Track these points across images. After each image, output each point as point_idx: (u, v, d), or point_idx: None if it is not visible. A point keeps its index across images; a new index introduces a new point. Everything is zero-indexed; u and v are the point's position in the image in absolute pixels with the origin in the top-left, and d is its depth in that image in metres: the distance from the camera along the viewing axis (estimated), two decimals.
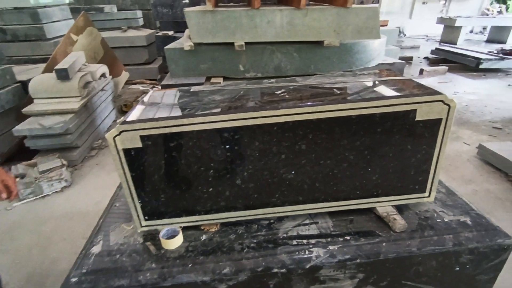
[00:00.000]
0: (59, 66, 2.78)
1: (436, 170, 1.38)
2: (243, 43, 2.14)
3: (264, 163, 1.31)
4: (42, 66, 3.32)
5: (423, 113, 1.26)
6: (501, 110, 3.86)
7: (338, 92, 1.38)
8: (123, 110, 3.97)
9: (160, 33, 3.52)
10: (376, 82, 1.43)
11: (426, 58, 6.98)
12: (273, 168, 1.31)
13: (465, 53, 5.76)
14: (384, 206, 1.40)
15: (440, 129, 1.29)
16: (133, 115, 1.30)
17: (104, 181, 2.49)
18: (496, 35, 8.51)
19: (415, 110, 1.24)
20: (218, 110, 1.25)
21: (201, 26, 2.14)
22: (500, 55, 5.45)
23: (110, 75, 4.30)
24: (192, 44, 2.14)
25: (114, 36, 5.25)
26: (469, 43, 8.59)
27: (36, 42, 3.90)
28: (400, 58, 6.59)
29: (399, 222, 1.32)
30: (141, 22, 5.59)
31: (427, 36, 10.10)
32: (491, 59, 5.39)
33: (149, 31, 5.12)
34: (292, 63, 2.34)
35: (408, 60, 6.78)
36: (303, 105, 1.26)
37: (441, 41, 8.78)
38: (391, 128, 1.27)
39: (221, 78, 2.35)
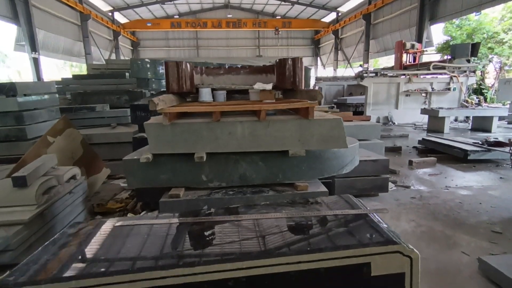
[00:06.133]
0: (17, 173, 2.66)
1: None
2: (204, 155, 2.04)
3: None
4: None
5: (380, 267, 1.01)
6: (497, 208, 3.60)
7: (278, 235, 1.17)
8: (95, 211, 3.73)
9: (137, 135, 3.53)
10: (326, 219, 1.23)
11: (415, 147, 7.02)
12: None
13: (452, 145, 5.78)
14: None
15: (405, 285, 1.03)
16: (20, 267, 1.06)
17: None
18: (480, 124, 8.79)
19: (369, 263, 1.00)
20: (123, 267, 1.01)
21: (160, 139, 2.07)
22: (486, 146, 5.44)
23: (87, 173, 4.20)
24: (149, 157, 2.05)
25: (102, 133, 5.37)
26: (455, 132, 8.81)
27: (15, 142, 3.92)
28: (389, 149, 6.64)
29: None
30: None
31: (415, 124, 10.46)
32: (478, 151, 5.36)
33: (137, 127, 5.25)
34: (258, 172, 2.20)
35: (398, 150, 6.81)
36: (227, 259, 1.03)
37: (428, 130, 9.03)
38: (343, 286, 1.01)
39: (182, 189, 2.19)
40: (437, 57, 14.04)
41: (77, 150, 4.03)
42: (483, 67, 12.12)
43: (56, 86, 5.58)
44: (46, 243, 1.17)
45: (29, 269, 1.00)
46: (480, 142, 5.73)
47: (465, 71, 10.58)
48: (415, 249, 0.96)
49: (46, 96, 4.39)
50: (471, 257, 2.64)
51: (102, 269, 0.97)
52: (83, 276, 0.94)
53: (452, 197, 4.00)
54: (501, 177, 4.73)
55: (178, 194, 2.11)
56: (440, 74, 10.90)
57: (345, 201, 1.34)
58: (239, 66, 2.70)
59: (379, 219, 1.13)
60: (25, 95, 4.03)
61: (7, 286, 0.91)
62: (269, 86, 2.34)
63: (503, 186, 4.35)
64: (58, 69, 28.62)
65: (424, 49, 14.03)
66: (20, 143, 3.92)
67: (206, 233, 1.15)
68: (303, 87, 2.40)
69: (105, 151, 5.21)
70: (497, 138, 5.92)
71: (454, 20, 16.28)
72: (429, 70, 10.67)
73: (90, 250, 1.10)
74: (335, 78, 16.01)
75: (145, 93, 5.65)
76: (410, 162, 5.52)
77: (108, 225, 1.31)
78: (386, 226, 1.06)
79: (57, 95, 4.81)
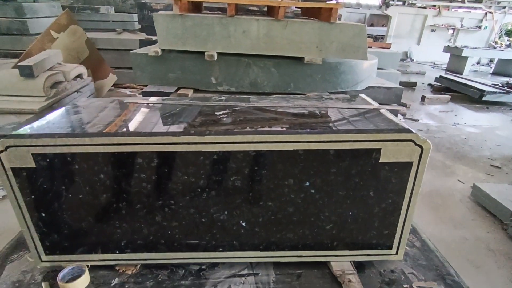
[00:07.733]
0: (23, 62, 2.60)
1: (406, 223, 1.12)
2: (215, 54, 1.94)
3: (190, 199, 1.06)
4: None
5: (389, 154, 1.02)
6: (501, 146, 3.60)
7: (290, 118, 1.15)
8: None
9: (144, 38, 3.35)
10: (339, 111, 1.20)
11: (430, 85, 6.80)
12: (201, 206, 1.06)
13: (469, 84, 5.55)
14: (341, 261, 1.15)
15: (410, 174, 1.04)
16: (36, 124, 1.08)
17: None
18: (503, 68, 8.31)
19: (379, 149, 1.00)
20: (136, 130, 1.02)
21: (169, 32, 1.95)
22: (505, 88, 5.23)
23: (94, 77, 4.13)
24: (158, 50, 1.95)
25: (108, 38, 5.12)
26: (475, 74, 8.38)
27: (18, 36, 3.76)
28: (404, 84, 6.40)
29: (354, 286, 1.06)
30: (137, 25, 5.49)
31: (434, 63, 9.93)
32: (495, 92, 5.17)
33: (144, 35, 4.99)
34: (270, 79, 2.13)
35: (412, 85, 6.60)
36: (237, 132, 1.03)
37: (447, 70, 8.60)
38: (348, 169, 1.02)
39: (191, 90, 2.14)
40: None
41: (82, 51, 3.88)
42: None
43: None
44: (56, 109, 1.18)
45: (43, 126, 1.01)
46: (500, 84, 5.49)
47: (504, 7, 9.57)
48: (428, 140, 0.95)
49: None
50: (466, 185, 2.73)
51: (114, 131, 0.98)
52: (96, 134, 0.95)
53: (459, 133, 3.98)
54: None
55: (186, 94, 2.08)
56: (475, 8, 9.90)
57: (360, 98, 1.30)
58: None
59: (393, 115, 1.11)
60: None
61: (23, 136, 0.92)
62: None
63: None
64: None
65: None
66: (23, 37, 3.77)
67: (217, 113, 1.14)
68: None
69: (110, 58, 5.03)
70: None
71: None
72: (464, 3, 9.64)
73: (101, 117, 1.10)
74: (358, 5, 14.65)
75: None
76: (423, 98, 5.39)
77: (117, 101, 1.30)
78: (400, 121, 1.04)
79: None
